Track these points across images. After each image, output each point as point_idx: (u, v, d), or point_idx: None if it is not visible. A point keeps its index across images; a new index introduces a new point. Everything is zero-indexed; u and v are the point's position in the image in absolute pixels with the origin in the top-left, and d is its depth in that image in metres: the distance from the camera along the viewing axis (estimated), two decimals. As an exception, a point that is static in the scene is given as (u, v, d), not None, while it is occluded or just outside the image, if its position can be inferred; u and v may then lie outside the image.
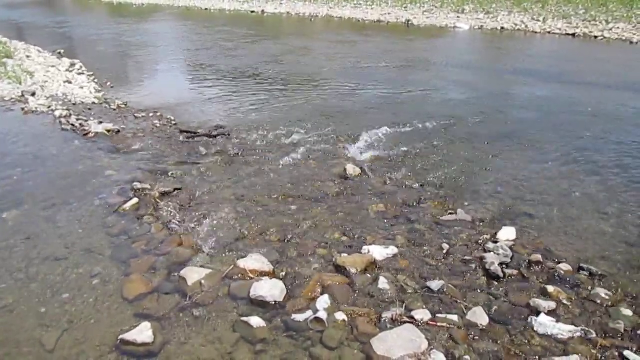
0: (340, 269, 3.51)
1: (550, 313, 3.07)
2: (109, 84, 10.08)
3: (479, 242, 3.95)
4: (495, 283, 3.41)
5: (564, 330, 2.90)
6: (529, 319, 3.01)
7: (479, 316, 3.01)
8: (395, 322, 2.95)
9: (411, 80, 10.49)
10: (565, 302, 3.20)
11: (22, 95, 8.00)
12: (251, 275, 3.41)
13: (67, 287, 3.32)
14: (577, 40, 15.93)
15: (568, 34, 16.47)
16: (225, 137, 6.47)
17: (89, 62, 11.80)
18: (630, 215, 4.50)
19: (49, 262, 3.60)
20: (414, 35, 17.29)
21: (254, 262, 3.53)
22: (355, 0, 24.83)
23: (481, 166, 5.63)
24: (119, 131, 6.57)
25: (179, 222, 4.18)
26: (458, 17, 20.30)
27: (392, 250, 3.74)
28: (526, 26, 17.86)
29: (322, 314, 2.99)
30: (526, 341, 2.86)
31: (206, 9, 26.66)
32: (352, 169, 5.32)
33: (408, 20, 20.04)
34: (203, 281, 3.34)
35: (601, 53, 14.13)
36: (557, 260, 3.70)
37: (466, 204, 4.67)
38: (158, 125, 7.05)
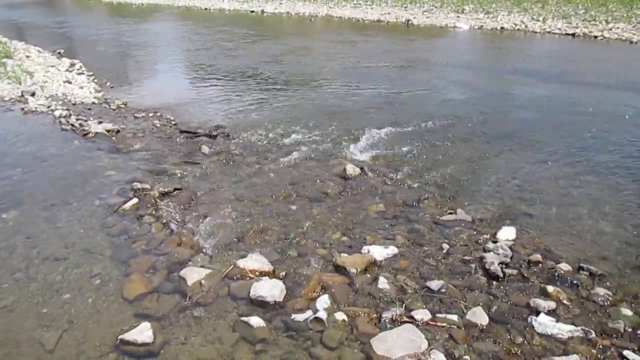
0: (340, 269, 3.51)
1: (550, 313, 3.07)
2: (108, 84, 10.07)
3: (479, 241, 3.95)
4: (495, 283, 3.41)
5: (563, 330, 2.90)
6: (529, 319, 3.01)
7: (479, 316, 3.01)
8: (395, 322, 2.95)
9: (411, 80, 10.49)
10: (565, 301, 3.20)
11: (22, 95, 8.00)
12: (251, 275, 3.41)
13: (67, 287, 3.32)
14: (576, 40, 15.93)
15: (568, 34, 16.47)
16: (225, 137, 6.47)
17: (88, 62, 11.80)
18: (630, 215, 4.50)
19: (49, 262, 3.60)
20: (414, 35, 17.29)
21: (253, 262, 3.53)
22: (355, 0, 24.84)
23: (481, 166, 5.63)
24: (118, 131, 6.57)
25: (178, 222, 4.19)
26: (458, 17, 20.30)
27: (392, 250, 3.75)
28: (526, 26, 17.86)
29: (322, 314, 2.99)
30: (526, 341, 2.86)
31: (206, 9, 26.66)
32: (352, 169, 5.31)
33: (408, 20, 20.04)
34: (203, 281, 3.34)
35: (601, 53, 14.13)
36: (557, 260, 3.69)
37: (466, 203, 4.67)
38: (158, 125, 7.05)
